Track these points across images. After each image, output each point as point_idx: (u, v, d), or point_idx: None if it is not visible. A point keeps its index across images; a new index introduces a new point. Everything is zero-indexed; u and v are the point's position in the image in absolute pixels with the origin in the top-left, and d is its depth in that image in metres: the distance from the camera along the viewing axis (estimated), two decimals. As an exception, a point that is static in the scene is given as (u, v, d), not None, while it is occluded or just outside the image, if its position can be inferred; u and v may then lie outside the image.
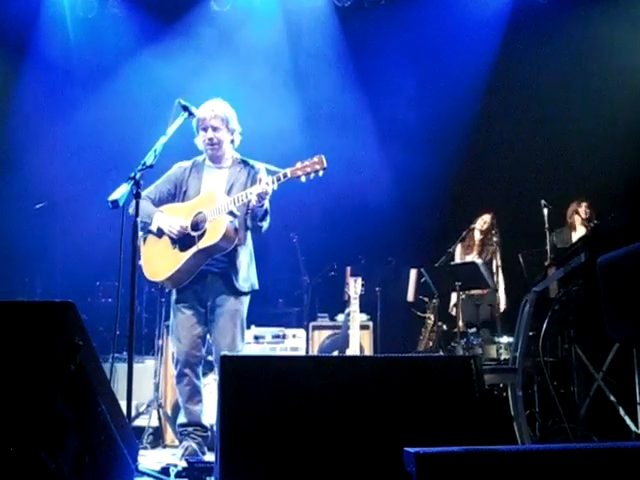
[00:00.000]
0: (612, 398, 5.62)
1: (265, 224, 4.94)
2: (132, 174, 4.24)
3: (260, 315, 7.26)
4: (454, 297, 7.69)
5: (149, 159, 4.35)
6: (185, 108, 4.77)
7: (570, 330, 5.89)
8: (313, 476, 2.82)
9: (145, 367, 6.75)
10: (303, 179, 4.63)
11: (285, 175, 4.67)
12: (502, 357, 6.34)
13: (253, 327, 6.91)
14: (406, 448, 2.16)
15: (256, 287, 5.11)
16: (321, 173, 4.62)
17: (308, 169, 4.61)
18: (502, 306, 7.90)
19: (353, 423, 2.92)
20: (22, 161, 8.15)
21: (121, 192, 4.12)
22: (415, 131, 8.45)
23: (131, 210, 4.78)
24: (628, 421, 5.47)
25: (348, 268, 7.17)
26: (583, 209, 7.55)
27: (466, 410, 3.02)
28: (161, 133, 4.58)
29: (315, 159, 4.62)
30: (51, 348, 2.43)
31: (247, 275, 5.03)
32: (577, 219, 7.59)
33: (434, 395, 3.03)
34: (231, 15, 8.75)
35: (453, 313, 7.80)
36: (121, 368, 5.68)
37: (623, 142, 7.95)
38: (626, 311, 2.96)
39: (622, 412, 5.52)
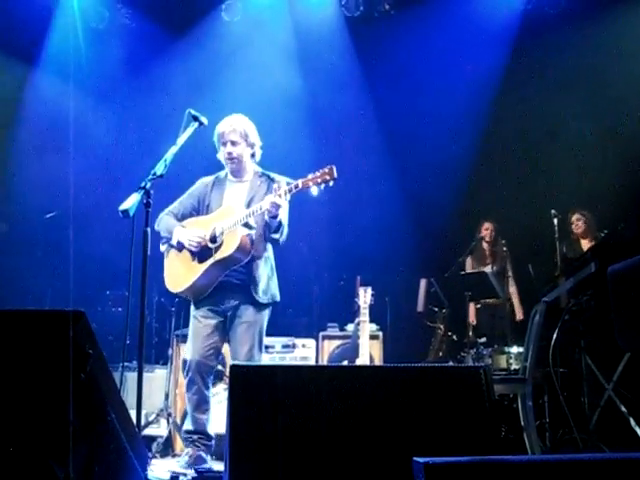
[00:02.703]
0: (623, 408, 5.59)
1: (279, 236, 4.97)
2: (142, 184, 4.25)
3: (270, 325, 7.22)
4: (472, 307, 7.70)
5: (159, 169, 4.36)
6: (195, 118, 4.79)
7: (580, 340, 5.86)
8: (322, 486, 2.82)
9: (155, 376, 6.75)
10: (314, 190, 4.67)
11: (297, 186, 4.71)
12: (512, 367, 6.32)
13: (263, 337, 6.91)
14: (415, 458, 2.16)
15: (277, 299, 5.17)
16: (332, 183, 4.65)
17: (319, 179, 4.64)
18: (518, 315, 7.91)
19: (362, 433, 2.91)
20: (33, 170, 8.18)
21: (131, 202, 4.13)
22: (425, 142, 8.43)
23: (156, 227, 4.88)
24: (639, 432, 5.44)
25: (358, 278, 7.15)
26: (579, 220, 7.57)
27: (476, 420, 3.01)
28: (172, 143, 4.60)
29: (326, 170, 4.66)
30: (61, 357, 2.44)
31: (267, 287, 5.08)
32: (577, 229, 7.60)
33: (444, 405, 3.02)
34: (241, 25, 8.77)
35: (474, 323, 7.79)
36: (131, 377, 5.69)
37: (632, 152, 7.92)
38: (636, 321, 2.95)
39: (633, 422, 5.49)
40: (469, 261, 8.13)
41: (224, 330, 5.08)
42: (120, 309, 7.59)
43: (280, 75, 8.60)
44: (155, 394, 6.53)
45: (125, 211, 4.10)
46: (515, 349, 6.43)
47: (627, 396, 5.63)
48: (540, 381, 5.99)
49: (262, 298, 5.04)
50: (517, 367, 6.16)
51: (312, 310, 8.37)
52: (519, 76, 8.58)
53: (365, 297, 6.24)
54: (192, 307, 5.19)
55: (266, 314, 5.12)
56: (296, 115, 8.54)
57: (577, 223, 7.61)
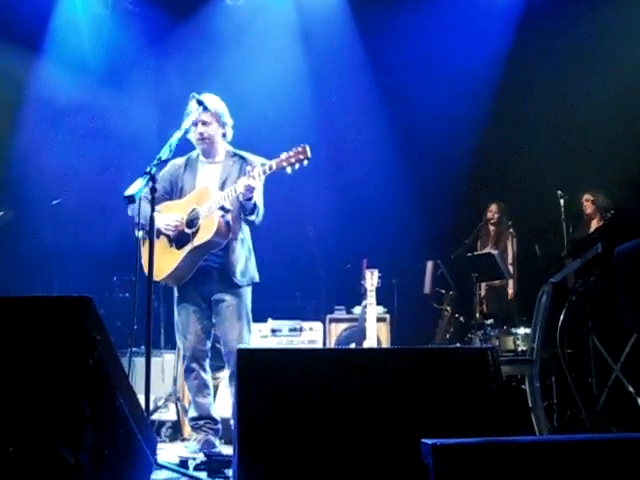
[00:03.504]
0: (630, 389, 5.58)
1: (255, 217, 4.95)
2: (147, 169, 4.25)
3: (277, 308, 7.28)
4: (478, 290, 7.68)
5: (164, 154, 4.36)
6: (200, 102, 4.79)
7: (588, 321, 5.85)
8: (330, 468, 2.83)
9: (164, 361, 6.76)
10: (289, 170, 4.63)
11: (270, 167, 4.67)
12: (519, 348, 6.32)
13: (270, 320, 6.92)
14: (423, 440, 2.16)
15: (256, 280, 5.14)
16: (306, 163, 4.61)
17: (292, 159, 4.61)
18: (510, 294, 7.88)
19: (370, 415, 2.92)
20: (38, 158, 8.17)
21: (137, 187, 4.13)
22: (429, 124, 8.39)
23: (129, 212, 4.82)
24: (646, 412, 5.44)
25: (364, 260, 7.15)
26: (591, 199, 7.53)
27: (483, 402, 3.01)
28: (176, 128, 4.60)
29: (299, 149, 4.62)
30: (69, 343, 2.45)
31: (245, 268, 5.05)
32: (590, 210, 7.57)
33: (451, 387, 3.03)
34: (244, 9, 8.73)
35: (483, 306, 7.77)
36: (140, 362, 5.70)
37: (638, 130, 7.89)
38: (643, 301, 2.94)
39: (640, 403, 5.49)
40: (475, 242, 8.12)
41: (210, 314, 5.08)
42: (127, 294, 7.61)
43: (284, 58, 8.58)
44: (164, 379, 6.56)
45: (130, 197, 4.09)
46: (522, 330, 6.42)
47: (635, 376, 5.63)
48: (547, 362, 5.98)
49: (241, 280, 5.01)
50: (524, 348, 6.16)
51: (319, 293, 8.39)
52: (525, 58, 8.52)
53: (372, 280, 6.24)
54: (175, 295, 5.18)
55: (248, 295, 5.10)
56: (300, 98, 8.52)
57: (586, 204, 7.58)
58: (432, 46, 8.42)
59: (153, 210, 4.29)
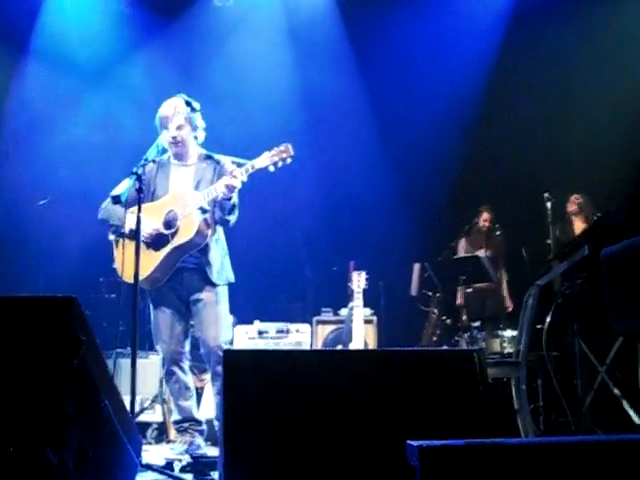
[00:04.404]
0: (616, 391, 5.60)
1: (233, 217, 4.95)
2: (134, 169, 4.24)
3: (264, 310, 7.27)
4: (460, 293, 7.70)
5: (151, 154, 4.37)
6: (187, 103, 4.78)
7: (574, 323, 5.86)
8: (316, 469, 2.82)
9: (150, 362, 6.74)
10: (272, 169, 4.65)
11: (253, 166, 4.68)
12: (506, 351, 6.34)
13: (257, 322, 6.92)
14: (409, 441, 2.16)
15: (232, 280, 5.12)
16: (289, 161, 4.62)
17: (275, 158, 4.62)
18: (509, 305, 7.91)
19: (356, 417, 2.91)
20: (26, 157, 8.15)
21: (123, 187, 4.13)
22: (417, 126, 8.41)
23: (101, 215, 4.80)
24: (632, 414, 5.45)
25: (351, 262, 7.16)
26: (576, 202, 7.56)
27: (470, 404, 3.01)
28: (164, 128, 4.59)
29: (282, 147, 4.63)
30: (53, 343, 2.44)
31: (221, 268, 5.04)
32: (574, 212, 7.60)
33: (437, 388, 3.02)
34: (233, 10, 8.72)
35: (461, 309, 7.79)
36: (125, 363, 5.67)
37: (625, 135, 7.92)
38: (629, 304, 2.95)
39: (626, 405, 5.51)
40: (462, 244, 8.12)
41: (188, 316, 5.07)
42: (113, 295, 7.58)
43: (272, 59, 8.58)
44: (150, 380, 6.53)
45: (117, 197, 4.09)
46: (509, 333, 6.44)
47: (620, 379, 5.65)
48: (534, 364, 5.99)
49: (218, 280, 4.99)
50: (511, 351, 6.17)
51: (306, 295, 8.39)
52: (513, 60, 8.54)
53: (359, 282, 6.25)
54: (150, 298, 5.14)
55: (225, 294, 5.08)
56: (288, 99, 8.52)
57: (572, 205, 7.60)
58: (420, 47, 8.43)
59: (140, 210, 4.27)
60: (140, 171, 4.24)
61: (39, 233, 7.90)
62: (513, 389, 5.46)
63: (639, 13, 8.11)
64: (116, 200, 4.08)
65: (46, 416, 2.33)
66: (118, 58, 8.47)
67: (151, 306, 5.11)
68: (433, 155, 8.39)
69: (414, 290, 8.18)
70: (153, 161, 4.53)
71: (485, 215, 8.09)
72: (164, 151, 5.10)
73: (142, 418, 6.23)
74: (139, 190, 4.24)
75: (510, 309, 7.87)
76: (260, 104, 8.20)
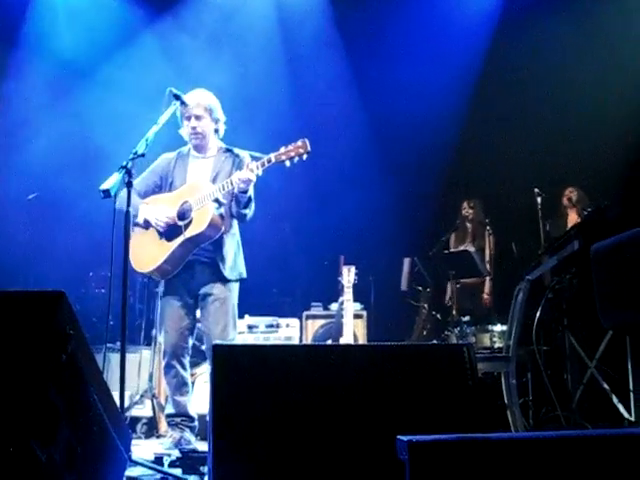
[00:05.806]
0: (605, 386, 5.63)
1: (249, 211, 4.94)
2: (124, 163, 4.22)
3: (253, 305, 7.25)
4: (450, 288, 7.69)
5: (140, 148, 4.34)
6: (177, 97, 4.77)
7: (563, 318, 5.88)
8: (306, 465, 2.82)
9: (140, 357, 6.73)
10: (287, 163, 4.64)
11: (269, 160, 4.67)
12: (496, 345, 6.35)
13: (247, 317, 6.91)
14: (399, 436, 2.16)
15: (244, 276, 5.11)
16: (305, 157, 4.62)
17: (292, 153, 4.61)
18: (486, 289, 7.88)
19: (346, 411, 2.91)
20: (14, 151, 8.10)
21: (113, 181, 4.11)
22: (407, 120, 8.40)
23: (117, 204, 4.77)
24: (621, 409, 5.48)
25: (341, 257, 7.15)
26: (571, 195, 7.54)
27: (459, 398, 3.01)
28: (153, 122, 4.57)
29: (299, 143, 4.62)
30: (42, 338, 2.42)
31: (234, 263, 5.03)
32: (568, 205, 7.58)
33: (427, 383, 3.02)
34: (224, 4, 8.69)
35: (449, 304, 7.79)
36: (116, 358, 5.67)
37: (616, 130, 7.93)
38: (618, 298, 2.96)
39: (615, 400, 5.53)
40: (452, 239, 8.13)
41: (195, 309, 5.05)
42: (103, 290, 7.56)
43: (263, 52, 8.56)
44: (141, 375, 6.52)
45: (106, 191, 4.07)
46: (498, 327, 6.45)
47: (609, 373, 5.67)
48: (523, 359, 6.01)
49: (230, 275, 4.99)
50: (500, 345, 6.18)
51: (296, 290, 8.38)
52: (503, 55, 8.53)
53: (349, 276, 6.24)
54: (160, 289, 5.14)
55: (235, 291, 5.07)
56: (278, 92, 8.51)
57: (567, 198, 7.59)
58: (411, 43, 8.44)
59: (129, 205, 4.25)
60: (129, 165, 4.22)
61: (28, 228, 7.85)
62: (503, 384, 5.47)
63: (632, 8, 8.12)
64: (106, 194, 4.06)
65: (34, 411, 2.32)
66: (108, 52, 8.42)
67: (160, 296, 5.11)
68: (423, 150, 8.39)
69: (404, 285, 8.19)
70: (142, 155, 4.49)
71: (464, 204, 8.07)
72: (177, 142, 5.11)
73: (132, 413, 6.21)
74: (128, 184, 4.22)
75: (488, 305, 7.85)
76: (249, 94, 8.17)
